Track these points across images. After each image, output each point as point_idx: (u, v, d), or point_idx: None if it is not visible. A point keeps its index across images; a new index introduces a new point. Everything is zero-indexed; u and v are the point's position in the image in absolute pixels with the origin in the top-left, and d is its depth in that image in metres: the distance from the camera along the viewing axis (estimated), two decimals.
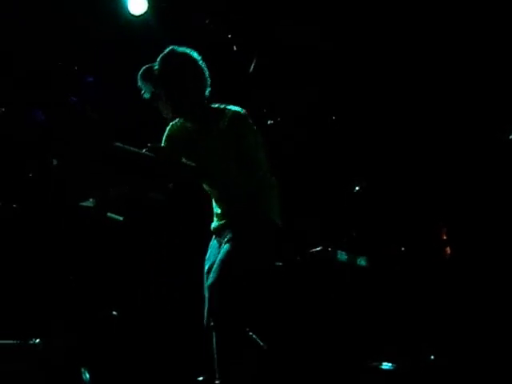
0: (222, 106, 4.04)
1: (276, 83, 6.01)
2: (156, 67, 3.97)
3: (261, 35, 5.83)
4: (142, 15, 5.91)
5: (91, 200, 4.61)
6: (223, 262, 3.80)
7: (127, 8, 5.86)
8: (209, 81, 4.03)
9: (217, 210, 4.12)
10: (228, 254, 3.82)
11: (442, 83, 5.95)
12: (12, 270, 4.66)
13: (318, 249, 5.05)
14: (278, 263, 4.59)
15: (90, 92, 5.17)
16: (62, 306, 4.66)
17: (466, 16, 5.77)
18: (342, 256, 5.08)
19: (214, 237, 4.14)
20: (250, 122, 4.01)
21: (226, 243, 3.92)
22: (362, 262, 5.19)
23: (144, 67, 4.01)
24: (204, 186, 4.12)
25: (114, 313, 4.78)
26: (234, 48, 5.41)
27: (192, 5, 6.04)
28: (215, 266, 3.85)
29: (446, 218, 5.64)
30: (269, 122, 5.38)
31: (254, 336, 3.87)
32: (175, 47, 4.00)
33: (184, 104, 3.98)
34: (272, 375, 3.92)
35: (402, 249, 5.52)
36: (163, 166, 3.90)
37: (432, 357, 4.85)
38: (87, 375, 4.19)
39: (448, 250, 5.51)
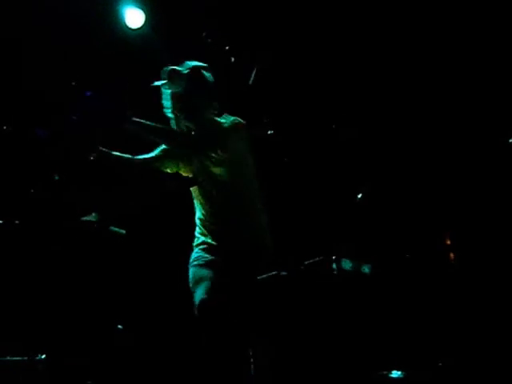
0: (223, 119, 4.13)
1: (276, 92, 6.01)
2: (185, 71, 4.09)
3: (260, 46, 5.82)
4: (139, 29, 5.94)
5: (93, 214, 4.60)
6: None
7: (124, 21, 5.88)
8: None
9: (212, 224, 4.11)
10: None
11: (447, 89, 5.94)
12: (15, 286, 4.64)
13: (319, 258, 5.03)
14: (282, 273, 4.57)
15: (89, 106, 5.17)
16: (67, 322, 4.65)
17: (467, 16, 5.77)
18: (347, 264, 5.05)
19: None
20: (245, 131, 4.10)
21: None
22: (365, 269, 5.15)
23: (172, 67, 4.10)
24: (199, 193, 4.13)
25: (120, 326, 4.76)
26: (232, 60, 5.40)
27: (189, 18, 6.04)
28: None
29: (449, 223, 5.62)
30: (269, 132, 5.38)
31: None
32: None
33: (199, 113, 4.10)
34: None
35: (407, 255, 5.50)
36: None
37: (440, 363, 4.82)
38: None
39: (452, 255, 5.49)
